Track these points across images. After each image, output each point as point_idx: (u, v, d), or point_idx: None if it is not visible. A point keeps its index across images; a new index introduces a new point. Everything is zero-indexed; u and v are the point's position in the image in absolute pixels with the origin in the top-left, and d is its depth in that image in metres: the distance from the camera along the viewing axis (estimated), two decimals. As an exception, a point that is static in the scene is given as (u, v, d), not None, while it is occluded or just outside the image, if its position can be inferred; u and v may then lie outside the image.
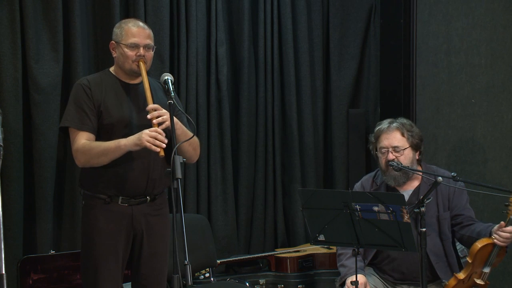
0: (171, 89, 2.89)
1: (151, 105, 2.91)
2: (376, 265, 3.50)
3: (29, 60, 3.86)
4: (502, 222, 3.17)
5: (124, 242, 3.02)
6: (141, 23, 3.09)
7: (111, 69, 3.14)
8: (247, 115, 4.75)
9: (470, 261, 3.22)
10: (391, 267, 3.43)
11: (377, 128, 3.51)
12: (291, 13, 4.86)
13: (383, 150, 3.42)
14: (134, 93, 3.08)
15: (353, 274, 3.14)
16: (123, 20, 3.17)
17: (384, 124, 3.49)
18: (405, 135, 3.42)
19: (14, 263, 3.66)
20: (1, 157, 2.44)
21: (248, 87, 4.75)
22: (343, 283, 3.37)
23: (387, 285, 3.46)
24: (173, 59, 4.45)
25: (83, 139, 2.97)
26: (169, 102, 2.86)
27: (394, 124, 3.46)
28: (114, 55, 3.09)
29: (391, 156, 3.38)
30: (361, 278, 3.25)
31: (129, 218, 3.02)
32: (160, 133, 2.85)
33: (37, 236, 3.92)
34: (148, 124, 2.91)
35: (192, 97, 4.49)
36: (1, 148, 2.46)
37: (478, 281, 3.23)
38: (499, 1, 4.17)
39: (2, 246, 2.33)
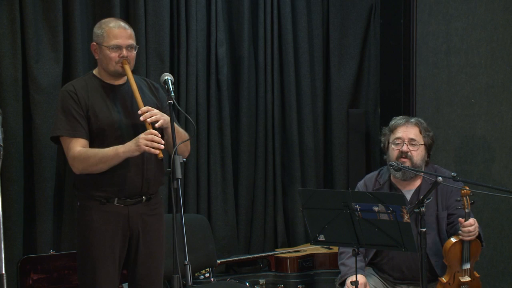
0: (171, 89, 2.89)
1: (142, 108, 2.90)
2: (375, 264, 3.50)
3: (29, 60, 3.85)
4: (460, 219, 3.18)
5: (120, 243, 3.02)
6: (122, 23, 3.05)
7: (95, 71, 3.10)
8: (247, 115, 4.75)
9: (446, 263, 3.24)
10: (390, 266, 3.43)
11: (393, 121, 3.52)
12: (291, 13, 4.86)
13: (398, 141, 3.42)
14: (120, 95, 3.06)
15: (354, 274, 3.14)
16: (103, 20, 3.10)
17: (402, 118, 3.51)
18: (422, 133, 3.45)
19: (14, 263, 3.66)
20: (1, 157, 2.44)
21: (248, 87, 4.75)
22: (343, 283, 3.37)
23: (387, 285, 3.46)
24: (173, 59, 4.44)
25: (78, 146, 2.94)
26: (169, 102, 2.87)
27: (412, 120, 3.49)
28: (97, 57, 3.05)
29: (405, 148, 3.39)
30: (361, 278, 3.25)
31: (125, 218, 3.01)
32: (155, 135, 2.84)
33: (37, 236, 3.91)
34: (138, 124, 2.92)
35: (192, 97, 4.48)
36: (1, 148, 2.46)
37: (464, 279, 3.24)
38: (499, 1, 4.17)
39: (2, 246, 2.33)
